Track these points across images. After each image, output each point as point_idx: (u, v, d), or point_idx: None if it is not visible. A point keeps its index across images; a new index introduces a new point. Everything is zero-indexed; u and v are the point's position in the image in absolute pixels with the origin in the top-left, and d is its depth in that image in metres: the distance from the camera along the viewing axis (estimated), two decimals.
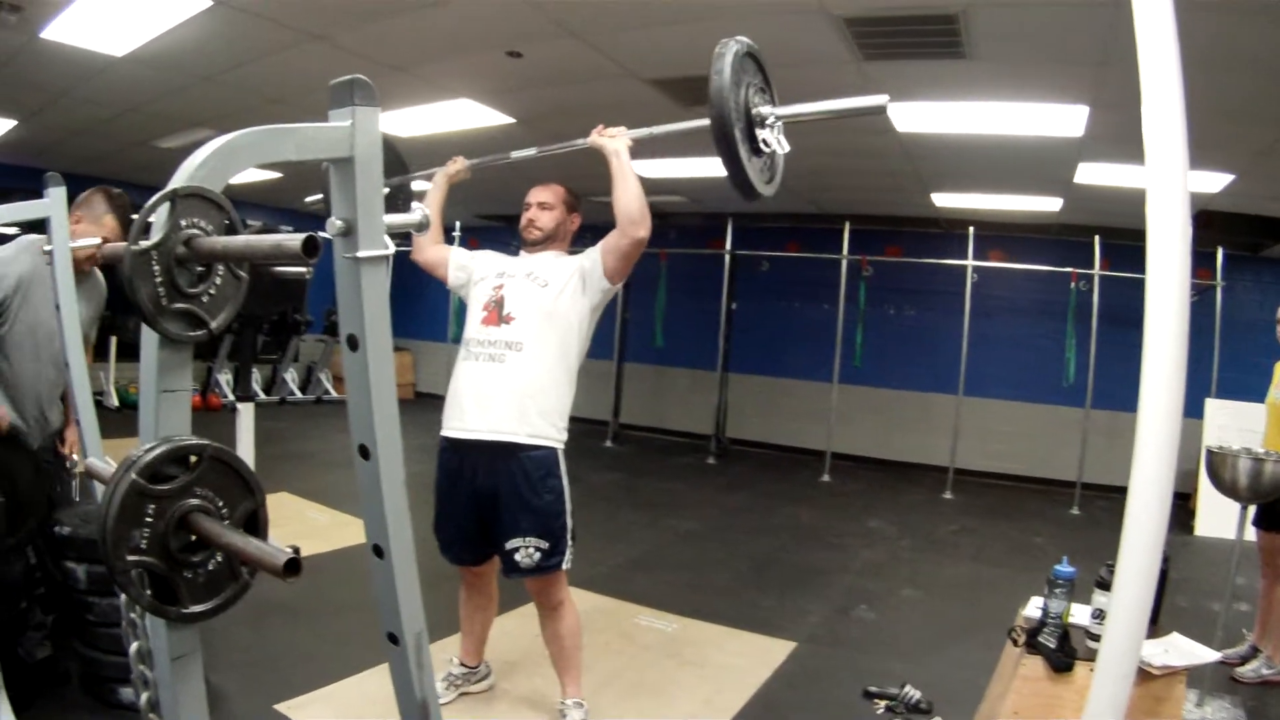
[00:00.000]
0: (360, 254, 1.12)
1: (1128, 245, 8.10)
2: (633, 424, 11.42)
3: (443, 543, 3.27)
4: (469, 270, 3.31)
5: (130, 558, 0.95)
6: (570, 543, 3.09)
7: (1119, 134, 5.36)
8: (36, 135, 8.11)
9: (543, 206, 3.22)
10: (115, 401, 9.87)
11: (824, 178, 8.07)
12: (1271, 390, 4.45)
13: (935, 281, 9.57)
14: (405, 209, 3.41)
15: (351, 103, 1.15)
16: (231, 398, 4.96)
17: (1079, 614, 2.96)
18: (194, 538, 1.00)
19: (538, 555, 3.02)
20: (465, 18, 4.55)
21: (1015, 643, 3.00)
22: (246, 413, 4.98)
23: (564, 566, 3.09)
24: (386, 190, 3.19)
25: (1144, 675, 2.68)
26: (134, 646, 1.29)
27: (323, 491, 6.81)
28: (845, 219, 9.25)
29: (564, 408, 3.08)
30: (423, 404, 13.01)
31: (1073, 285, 8.59)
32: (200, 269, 1.01)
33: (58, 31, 4.99)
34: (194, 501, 0.99)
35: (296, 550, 0.91)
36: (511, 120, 6.49)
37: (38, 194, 2.34)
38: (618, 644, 4.21)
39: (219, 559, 1.03)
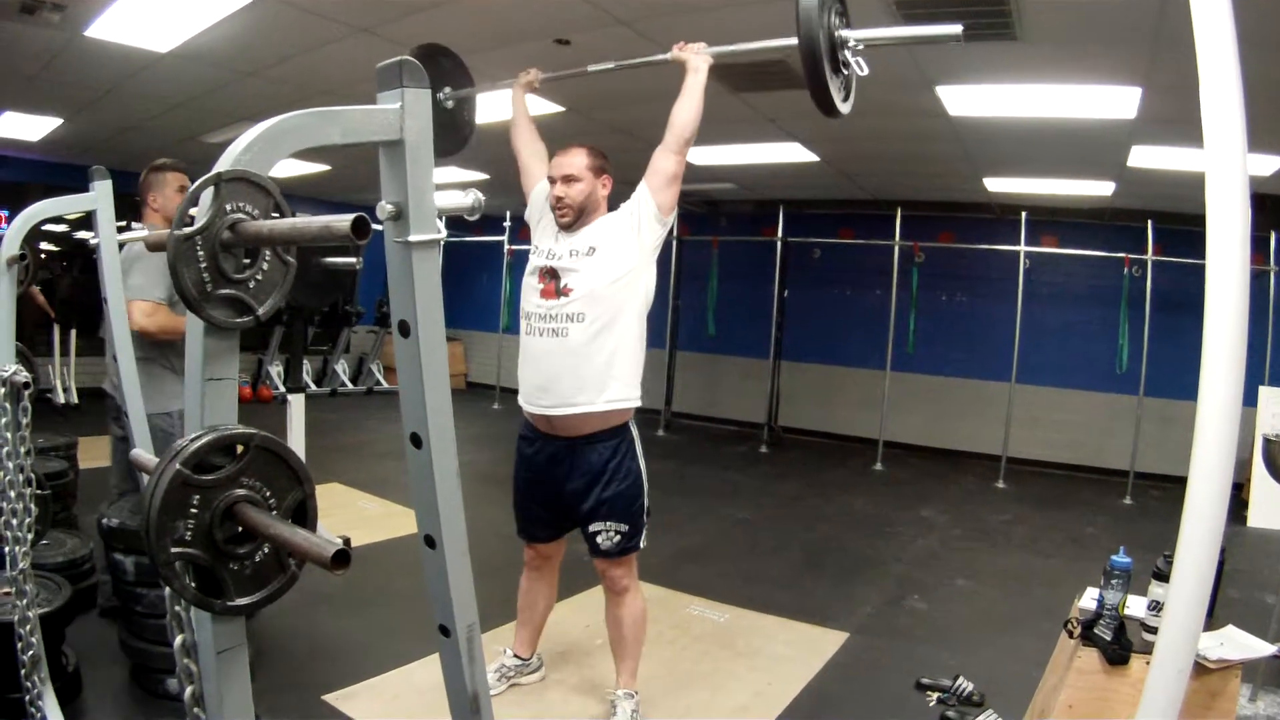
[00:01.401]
0: (412, 238, 1.11)
1: (1181, 230, 7.90)
2: (685, 412, 11.35)
3: (522, 520, 3.30)
4: (536, 219, 3.24)
5: (174, 549, 0.94)
6: (645, 522, 3.12)
7: (1173, 116, 5.21)
8: (82, 133, 8.20)
9: (568, 180, 3.03)
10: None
11: (876, 163, 7.98)
12: None
13: (987, 268, 9.42)
14: (470, 120, 3.44)
15: (400, 84, 1.13)
16: (282, 389, 4.96)
17: (1135, 606, 2.91)
18: (240, 529, 0.98)
19: (618, 538, 3.05)
20: (515, 7, 4.53)
21: (1071, 634, 2.95)
22: (297, 404, 5.03)
23: (640, 546, 3.12)
24: (450, 103, 3.21)
25: (1199, 669, 2.62)
26: (178, 639, 1.28)
27: (375, 482, 6.88)
28: (897, 205, 9.14)
29: (636, 367, 3.04)
30: (475, 393, 13.10)
31: (1125, 271, 8.39)
32: (246, 254, 0.99)
33: (101, 29, 5.00)
34: (240, 492, 0.98)
35: (347, 541, 0.89)
36: (561, 109, 6.46)
37: (85, 190, 2.39)
38: (670, 634, 4.19)
39: (266, 550, 1.01)
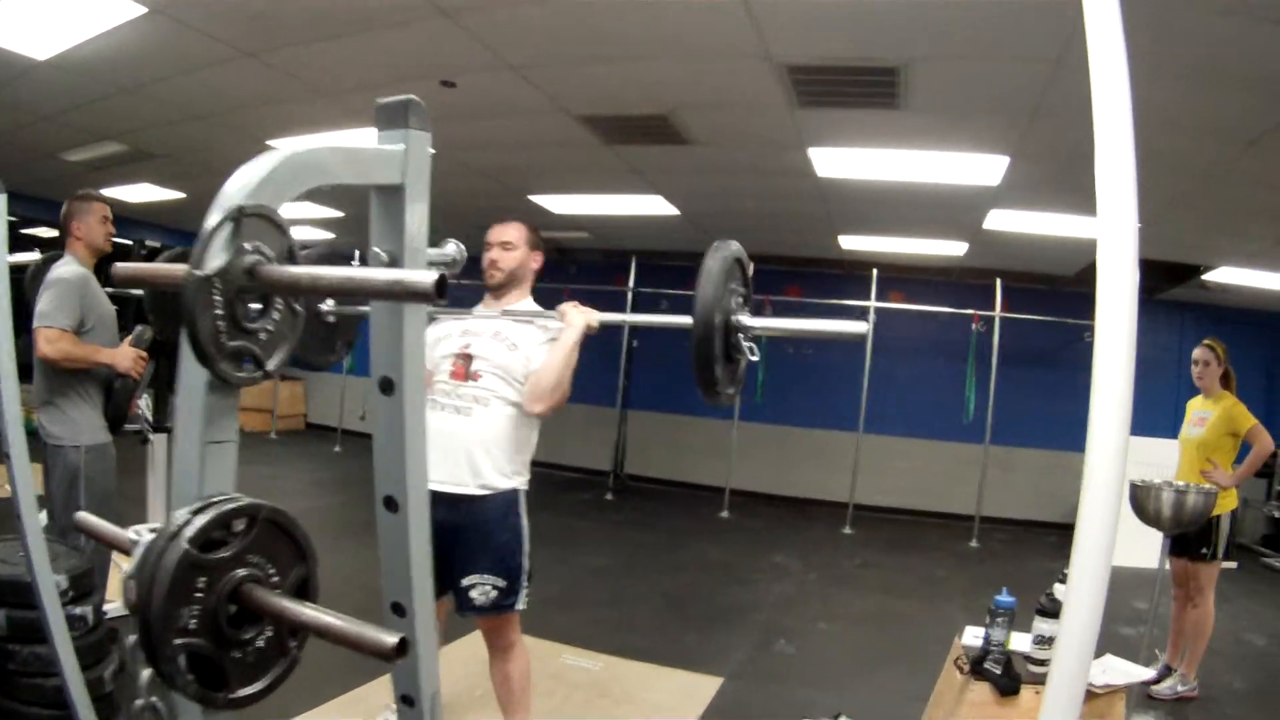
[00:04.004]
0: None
1: (1026, 288, 8.41)
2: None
3: None
4: (432, 341, 3.18)
5: (177, 641, 0.81)
6: (526, 584, 3.06)
7: (1034, 182, 5.54)
8: None
9: (505, 246, 3.18)
10: None
11: (735, 219, 8.11)
12: (1184, 427, 4.74)
13: (833, 318, 9.68)
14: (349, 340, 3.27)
15: (405, 125, 1.07)
16: (148, 427, 4.63)
17: (1017, 641, 3.15)
18: (236, 609, 0.87)
19: (494, 594, 2.98)
20: (406, 46, 4.47)
21: (961, 670, 3.11)
22: (161, 444, 4.81)
23: (519, 607, 3.05)
24: (333, 317, 3.01)
25: (1088, 695, 2.77)
26: None
27: None
28: (750, 259, 9.27)
29: (528, 454, 3.14)
30: (314, 435, 12.64)
31: (974, 327, 8.84)
32: (257, 302, 0.88)
33: None
34: (244, 571, 0.86)
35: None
36: (430, 151, 6.32)
37: None
38: (547, 684, 4.10)
39: (269, 633, 0.89)
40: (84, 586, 3.00)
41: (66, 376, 3.54)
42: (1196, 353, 4.77)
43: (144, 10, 4.20)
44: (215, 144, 6.77)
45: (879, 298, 8.95)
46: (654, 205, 7.71)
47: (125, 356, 3.65)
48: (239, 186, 0.87)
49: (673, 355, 11.19)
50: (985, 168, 5.47)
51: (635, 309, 9.98)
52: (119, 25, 4.44)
